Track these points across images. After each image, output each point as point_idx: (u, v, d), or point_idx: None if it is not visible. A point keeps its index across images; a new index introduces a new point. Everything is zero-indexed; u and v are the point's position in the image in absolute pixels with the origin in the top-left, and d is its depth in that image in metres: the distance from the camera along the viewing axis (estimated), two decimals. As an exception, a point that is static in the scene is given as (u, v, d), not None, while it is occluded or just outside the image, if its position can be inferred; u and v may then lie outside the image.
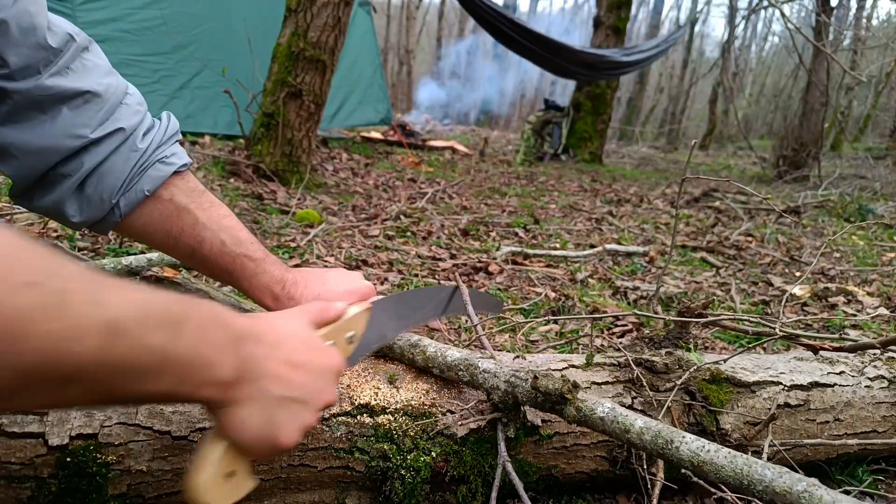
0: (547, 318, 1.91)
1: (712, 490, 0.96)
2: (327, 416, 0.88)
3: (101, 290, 0.42)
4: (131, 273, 1.40)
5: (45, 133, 0.75)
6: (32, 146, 0.75)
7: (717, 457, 0.74)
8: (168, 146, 0.86)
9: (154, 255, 1.43)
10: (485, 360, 0.95)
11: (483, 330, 1.22)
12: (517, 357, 1.10)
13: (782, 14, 5.93)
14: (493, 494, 0.86)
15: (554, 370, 1.04)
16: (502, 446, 0.91)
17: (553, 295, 2.28)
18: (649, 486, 0.96)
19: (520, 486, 0.86)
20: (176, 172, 0.86)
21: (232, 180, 3.76)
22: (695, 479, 0.81)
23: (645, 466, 1.01)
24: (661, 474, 0.97)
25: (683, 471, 0.78)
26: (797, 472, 0.69)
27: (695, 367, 1.07)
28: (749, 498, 0.71)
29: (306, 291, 0.89)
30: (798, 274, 3.07)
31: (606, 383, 1.06)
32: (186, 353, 0.48)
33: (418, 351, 1.00)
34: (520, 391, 0.88)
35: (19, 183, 0.79)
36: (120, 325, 0.42)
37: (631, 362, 1.09)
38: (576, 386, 0.85)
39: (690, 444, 0.76)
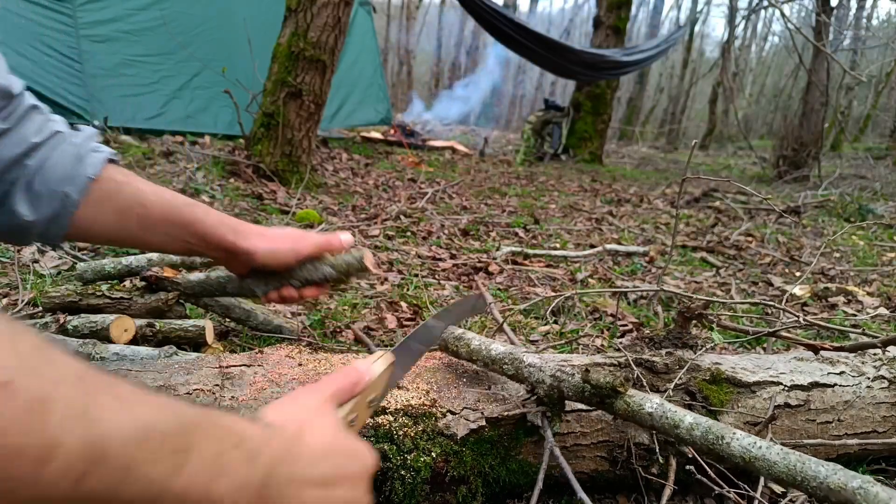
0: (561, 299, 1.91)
1: (714, 488, 0.96)
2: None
3: (94, 398, 0.34)
4: (131, 273, 1.40)
5: None
6: None
7: (770, 453, 0.74)
8: (95, 143, 0.92)
9: (154, 256, 1.43)
10: (530, 354, 0.97)
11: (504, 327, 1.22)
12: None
13: (782, 14, 5.93)
14: (540, 476, 0.89)
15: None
16: (549, 432, 0.93)
17: (553, 295, 2.28)
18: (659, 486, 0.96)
19: (568, 469, 0.88)
20: (108, 159, 0.91)
21: (232, 180, 3.76)
22: (698, 476, 0.81)
23: (645, 466, 1.01)
24: (671, 477, 0.97)
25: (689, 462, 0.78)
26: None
27: (695, 367, 1.07)
28: (752, 495, 0.71)
29: (248, 229, 0.94)
30: (798, 274, 3.06)
31: (606, 383, 1.06)
32: (192, 488, 0.37)
33: (462, 344, 1.03)
34: (566, 385, 0.90)
35: None
36: (108, 447, 0.33)
37: (631, 362, 1.09)
38: (627, 380, 0.86)
39: (742, 441, 0.76)
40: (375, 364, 0.68)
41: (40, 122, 0.87)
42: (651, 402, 0.84)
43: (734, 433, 0.77)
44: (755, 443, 0.75)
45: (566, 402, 0.95)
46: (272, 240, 0.94)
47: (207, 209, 0.94)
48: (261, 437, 0.45)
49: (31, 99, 0.88)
